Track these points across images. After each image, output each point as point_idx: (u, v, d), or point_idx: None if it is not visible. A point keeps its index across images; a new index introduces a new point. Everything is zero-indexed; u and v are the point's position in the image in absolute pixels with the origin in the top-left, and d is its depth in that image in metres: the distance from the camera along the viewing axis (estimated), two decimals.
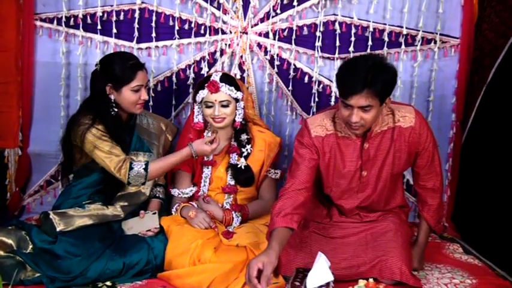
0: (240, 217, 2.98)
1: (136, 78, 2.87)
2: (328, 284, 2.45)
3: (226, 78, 3.01)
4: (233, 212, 2.99)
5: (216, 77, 2.99)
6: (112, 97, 2.89)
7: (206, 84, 2.97)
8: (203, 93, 2.98)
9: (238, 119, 3.04)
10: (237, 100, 3.01)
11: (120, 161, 2.83)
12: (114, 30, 3.35)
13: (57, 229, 2.78)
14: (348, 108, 2.52)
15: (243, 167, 3.05)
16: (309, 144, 2.71)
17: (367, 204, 2.83)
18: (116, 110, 2.91)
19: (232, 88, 2.98)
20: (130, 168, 2.83)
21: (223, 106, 2.96)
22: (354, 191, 2.80)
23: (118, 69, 2.87)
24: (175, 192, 3.08)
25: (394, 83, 2.55)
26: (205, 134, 3.11)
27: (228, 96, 2.96)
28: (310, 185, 2.68)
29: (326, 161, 2.73)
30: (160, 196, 3.11)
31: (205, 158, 3.07)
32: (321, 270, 2.43)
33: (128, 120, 3.01)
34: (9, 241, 2.69)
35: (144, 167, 2.84)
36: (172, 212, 3.04)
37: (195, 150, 2.87)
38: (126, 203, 2.96)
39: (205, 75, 3.39)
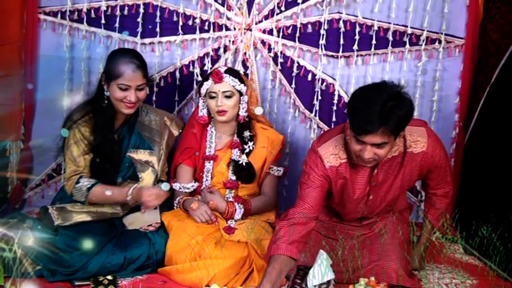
0: (242, 209, 2.98)
1: (123, 76, 2.82)
2: (329, 282, 2.45)
3: (231, 71, 3.05)
4: (236, 204, 2.98)
5: (220, 69, 3.02)
6: (105, 88, 2.88)
7: (210, 75, 3.00)
8: (207, 84, 3.00)
9: (242, 113, 3.05)
10: (240, 93, 3.02)
11: (74, 171, 2.84)
12: (118, 25, 3.35)
13: (55, 223, 2.79)
14: (361, 143, 2.40)
15: (244, 164, 3.05)
16: (322, 174, 2.60)
17: (369, 215, 2.84)
18: (106, 102, 2.88)
19: (236, 80, 2.99)
20: (77, 181, 2.83)
21: (226, 97, 2.97)
22: (359, 212, 2.79)
23: (111, 61, 2.88)
24: (176, 186, 3.07)
25: (410, 117, 2.40)
26: (208, 128, 3.11)
27: (231, 87, 2.98)
28: (319, 212, 2.63)
29: (337, 187, 2.67)
30: (162, 187, 3.07)
31: (207, 153, 3.08)
32: (322, 268, 2.43)
33: (129, 117, 2.99)
34: (11, 234, 2.68)
35: (89, 186, 2.81)
36: (174, 205, 3.04)
37: (132, 194, 2.82)
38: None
39: (209, 71, 3.40)
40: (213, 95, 2.98)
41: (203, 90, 3.03)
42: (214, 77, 2.97)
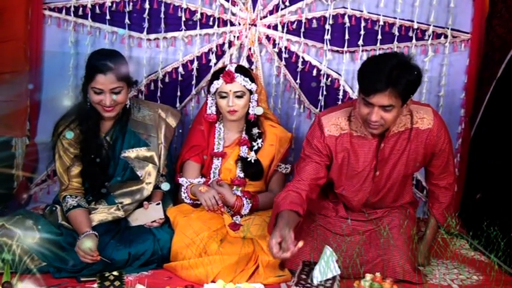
0: (250, 204, 2.97)
1: (95, 80, 2.75)
2: (334, 277, 2.44)
3: (242, 70, 3.01)
4: (244, 198, 2.98)
5: (231, 68, 2.98)
6: (87, 90, 2.83)
7: (221, 75, 2.96)
8: (218, 84, 2.97)
9: (252, 111, 3.03)
10: (251, 92, 3.00)
11: (62, 188, 2.86)
12: (127, 21, 3.35)
13: (59, 221, 2.80)
14: (369, 106, 2.46)
15: (252, 161, 3.04)
16: (319, 145, 2.68)
17: (376, 201, 2.83)
18: (89, 105, 2.83)
19: (247, 79, 2.97)
20: (64, 198, 2.82)
21: (237, 97, 2.96)
22: (367, 191, 2.79)
23: (87, 64, 2.82)
24: (183, 181, 3.06)
25: (418, 83, 2.50)
26: (216, 125, 3.10)
27: (242, 87, 2.96)
28: (315, 185, 2.67)
29: (339, 161, 2.70)
30: (162, 187, 3.06)
31: (216, 150, 3.07)
32: (327, 264, 2.43)
33: (120, 117, 2.93)
34: (17, 230, 2.69)
35: (66, 209, 2.79)
36: (181, 193, 3.02)
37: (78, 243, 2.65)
38: (129, 200, 2.91)
39: (213, 67, 3.40)
40: (224, 94, 2.96)
41: (212, 89, 2.99)
42: (225, 77, 2.94)
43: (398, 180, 2.77)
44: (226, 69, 2.98)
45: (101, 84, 2.75)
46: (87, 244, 2.59)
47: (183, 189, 3.03)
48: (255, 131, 3.07)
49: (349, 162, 2.70)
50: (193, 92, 3.47)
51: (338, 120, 2.69)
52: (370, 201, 2.83)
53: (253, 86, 2.99)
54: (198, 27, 3.39)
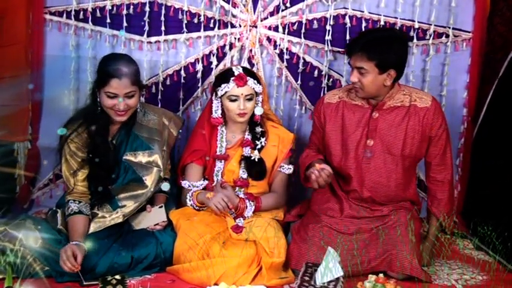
0: (253, 206, 2.96)
1: (109, 84, 2.76)
2: (337, 279, 2.44)
3: (249, 72, 3.01)
4: (247, 201, 2.97)
5: (240, 71, 2.96)
6: (97, 94, 2.83)
7: (233, 78, 2.93)
8: (228, 87, 2.94)
9: (258, 112, 3.03)
10: (257, 94, 3.00)
11: (67, 191, 2.85)
12: (127, 24, 3.35)
13: (58, 226, 2.79)
14: (352, 69, 2.78)
15: (256, 160, 3.03)
16: (317, 115, 3.01)
17: (379, 187, 2.84)
18: (99, 108, 2.83)
19: (256, 81, 2.97)
20: (67, 202, 2.82)
21: (247, 100, 2.95)
22: (360, 159, 2.86)
23: (100, 68, 2.83)
24: (185, 184, 3.05)
25: (396, 56, 2.72)
26: (219, 127, 3.08)
27: (252, 90, 2.95)
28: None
29: (334, 125, 2.94)
30: (165, 190, 3.06)
31: (218, 152, 3.05)
32: (330, 265, 2.42)
33: (126, 121, 2.91)
34: (19, 235, 2.69)
35: (67, 214, 2.78)
36: (187, 201, 3.01)
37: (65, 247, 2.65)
38: (132, 203, 2.90)
39: (214, 69, 3.40)
40: (234, 98, 2.94)
41: (221, 92, 2.96)
42: (238, 80, 2.91)
43: (399, 159, 2.82)
44: (237, 72, 2.95)
45: (115, 88, 2.76)
46: (74, 251, 2.59)
47: (188, 196, 3.01)
48: (258, 129, 3.06)
49: (343, 125, 2.91)
50: (198, 94, 3.47)
51: (338, 92, 3.01)
52: (372, 181, 2.85)
53: (260, 88, 2.99)
54: (202, 29, 3.38)
